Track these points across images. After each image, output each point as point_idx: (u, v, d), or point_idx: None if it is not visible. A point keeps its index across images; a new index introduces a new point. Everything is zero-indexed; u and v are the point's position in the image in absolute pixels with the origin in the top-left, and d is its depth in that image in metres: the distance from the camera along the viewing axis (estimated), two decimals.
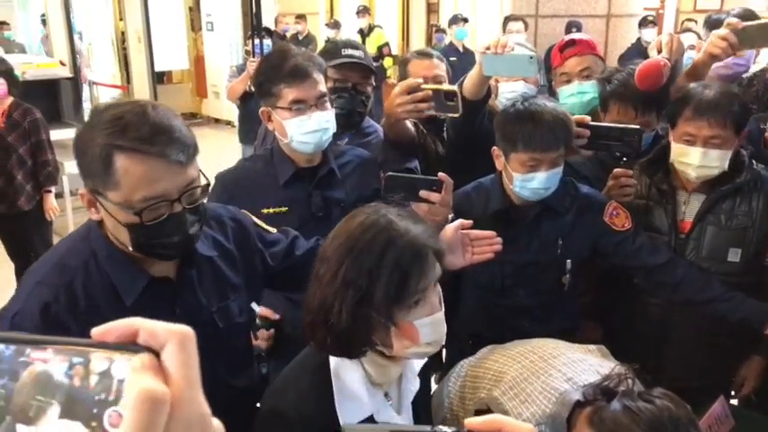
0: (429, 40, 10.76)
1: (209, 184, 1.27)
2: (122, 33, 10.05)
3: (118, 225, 1.21)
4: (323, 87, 1.83)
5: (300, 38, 9.00)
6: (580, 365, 1.43)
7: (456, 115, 1.87)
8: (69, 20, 7.33)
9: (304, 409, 1.17)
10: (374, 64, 2.32)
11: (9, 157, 3.85)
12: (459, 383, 1.64)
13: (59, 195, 4.64)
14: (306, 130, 1.80)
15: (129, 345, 0.39)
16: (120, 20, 10.07)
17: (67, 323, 1.20)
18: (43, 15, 9.81)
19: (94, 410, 0.38)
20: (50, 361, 0.39)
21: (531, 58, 1.81)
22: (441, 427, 0.51)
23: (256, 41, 5.08)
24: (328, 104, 1.85)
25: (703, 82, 1.95)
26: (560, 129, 1.78)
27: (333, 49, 2.26)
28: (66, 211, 5.06)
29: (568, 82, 2.30)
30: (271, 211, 1.85)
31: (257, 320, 1.74)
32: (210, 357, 1.43)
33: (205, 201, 1.28)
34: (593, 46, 2.34)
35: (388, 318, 1.12)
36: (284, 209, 1.87)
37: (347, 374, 1.19)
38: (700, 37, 4.26)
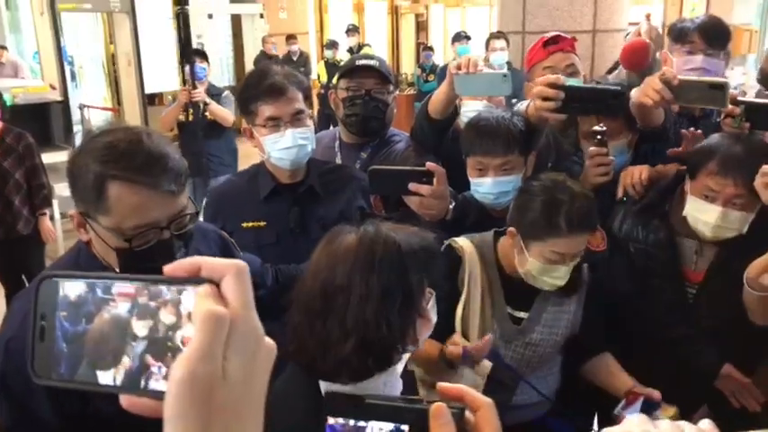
0: (418, 58, 10.85)
1: (198, 212, 1.29)
2: (112, 56, 10.09)
3: (107, 248, 1.23)
4: (299, 105, 1.86)
5: (295, 58, 9.07)
6: None
7: None
8: (59, 43, 7.36)
9: None
10: None
11: (6, 183, 3.84)
12: None
13: (50, 218, 4.62)
14: (281, 146, 1.84)
15: (194, 278, 0.47)
16: (111, 43, 10.11)
17: None
18: None
19: (169, 336, 0.47)
20: (123, 303, 0.48)
21: (505, 76, 1.82)
22: (410, 397, 0.60)
23: (188, 66, 4.66)
24: (307, 121, 1.88)
25: (735, 132, 1.77)
26: (503, 135, 1.78)
27: (349, 61, 2.34)
28: (57, 234, 5.04)
29: None
30: (250, 224, 1.88)
31: None
32: None
33: (192, 227, 1.30)
34: (574, 46, 2.31)
35: (419, 312, 1.18)
36: (262, 223, 1.90)
37: None
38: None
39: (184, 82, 4.73)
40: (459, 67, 1.82)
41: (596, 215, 1.60)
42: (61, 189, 4.86)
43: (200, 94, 4.56)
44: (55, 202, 4.91)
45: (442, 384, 0.58)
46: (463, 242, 1.72)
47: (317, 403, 1.16)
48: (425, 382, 1.74)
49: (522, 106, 1.99)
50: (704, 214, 1.71)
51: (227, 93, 5.04)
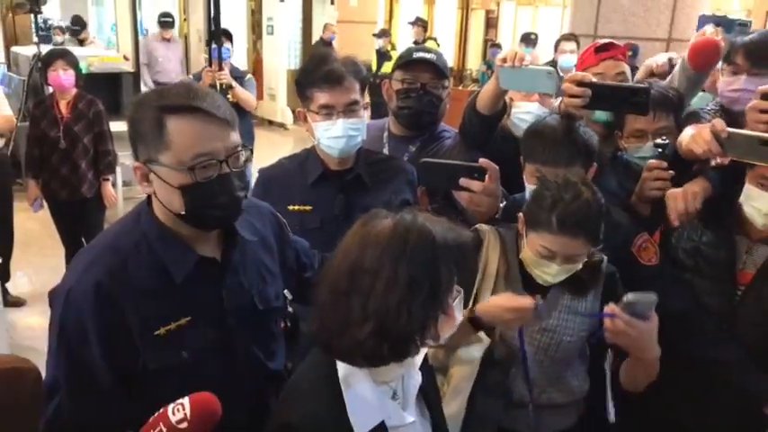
0: (485, 55, 10.74)
1: (252, 151, 1.35)
2: (186, 33, 10.35)
3: (171, 191, 1.26)
4: (355, 95, 1.85)
5: None
6: None
7: None
8: (135, 16, 7.57)
9: (318, 423, 1.16)
10: None
11: (75, 147, 4.05)
12: None
13: (112, 185, 4.79)
14: (331, 135, 1.85)
15: None
16: (185, 19, 10.37)
17: (119, 301, 1.25)
18: None
19: None
20: None
21: (550, 73, 1.78)
22: None
23: (214, 47, 4.53)
24: (361, 112, 1.88)
25: None
26: (567, 147, 1.71)
27: (406, 52, 2.31)
28: (118, 202, 5.22)
29: None
30: (296, 208, 1.90)
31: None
32: (250, 339, 1.44)
33: (249, 166, 1.37)
34: (626, 55, 2.27)
35: (443, 308, 1.16)
36: (308, 208, 1.91)
37: (356, 381, 1.19)
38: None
39: (210, 62, 4.57)
40: (504, 60, 1.80)
41: (598, 223, 1.54)
42: (126, 157, 5.02)
43: (225, 75, 4.47)
44: (118, 170, 5.09)
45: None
46: (486, 227, 1.73)
47: (335, 389, 1.18)
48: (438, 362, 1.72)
49: (555, 104, 1.97)
50: (757, 201, 1.68)
51: (249, 76, 5.01)
